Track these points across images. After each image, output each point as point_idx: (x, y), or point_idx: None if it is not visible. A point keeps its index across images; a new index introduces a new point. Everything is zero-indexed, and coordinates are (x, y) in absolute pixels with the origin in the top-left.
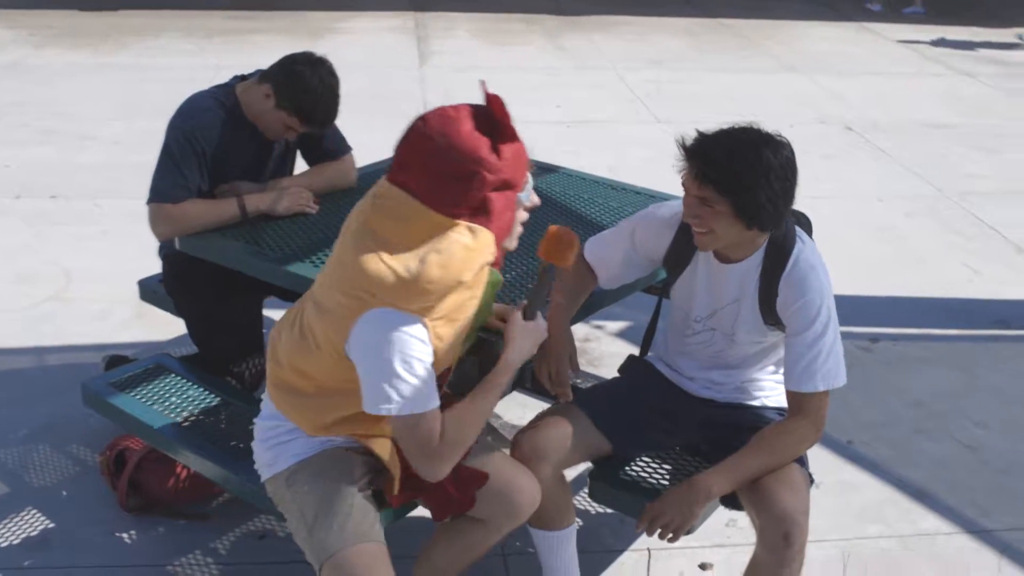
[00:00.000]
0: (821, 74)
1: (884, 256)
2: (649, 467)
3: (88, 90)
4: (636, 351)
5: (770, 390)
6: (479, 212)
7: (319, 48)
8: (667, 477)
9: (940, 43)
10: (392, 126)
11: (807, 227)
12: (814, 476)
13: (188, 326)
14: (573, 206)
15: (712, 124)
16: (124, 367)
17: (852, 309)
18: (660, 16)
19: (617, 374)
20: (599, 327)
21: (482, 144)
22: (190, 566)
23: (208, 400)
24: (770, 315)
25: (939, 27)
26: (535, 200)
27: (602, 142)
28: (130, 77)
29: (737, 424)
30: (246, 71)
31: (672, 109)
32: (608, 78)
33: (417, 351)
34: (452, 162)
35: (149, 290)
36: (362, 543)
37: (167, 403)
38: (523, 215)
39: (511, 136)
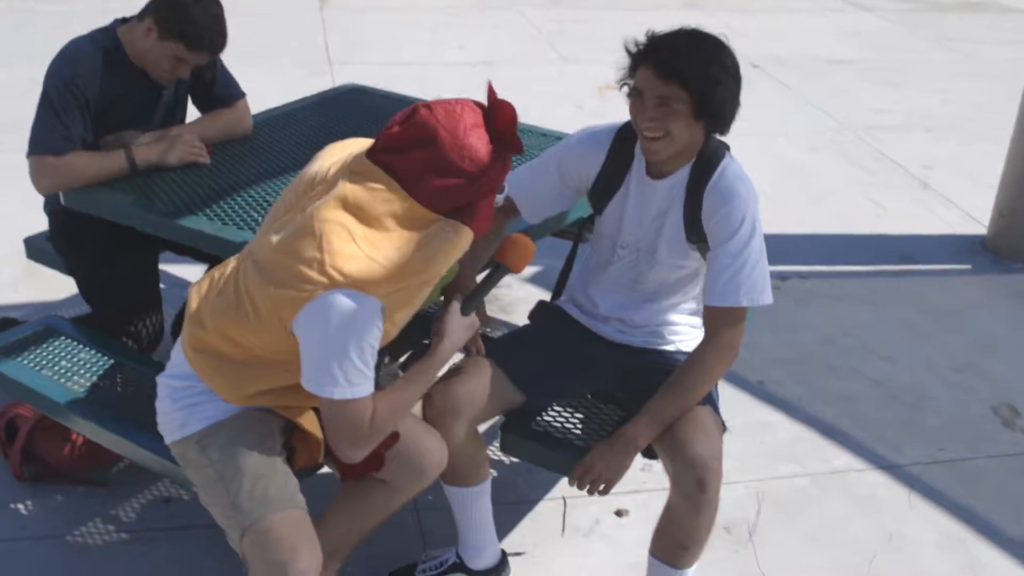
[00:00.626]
0: (724, 11)
1: (791, 192)
2: (560, 416)
3: None
4: (548, 297)
5: (685, 334)
6: (463, 212)
7: None
8: (579, 426)
9: None
10: (290, 74)
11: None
12: (726, 421)
13: (79, 285)
14: None
15: (612, 65)
16: (11, 330)
17: None
18: None
19: (527, 321)
20: None
21: (488, 152)
22: (92, 535)
23: (102, 363)
24: (693, 229)
25: None
26: (499, 201)
27: (507, 83)
28: (11, 21)
29: (651, 369)
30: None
31: (577, 47)
32: (510, 17)
33: (373, 338)
34: (454, 162)
35: (36, 248)
36: (287, 509)
37: (57, 367)
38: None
39: (518, 148)
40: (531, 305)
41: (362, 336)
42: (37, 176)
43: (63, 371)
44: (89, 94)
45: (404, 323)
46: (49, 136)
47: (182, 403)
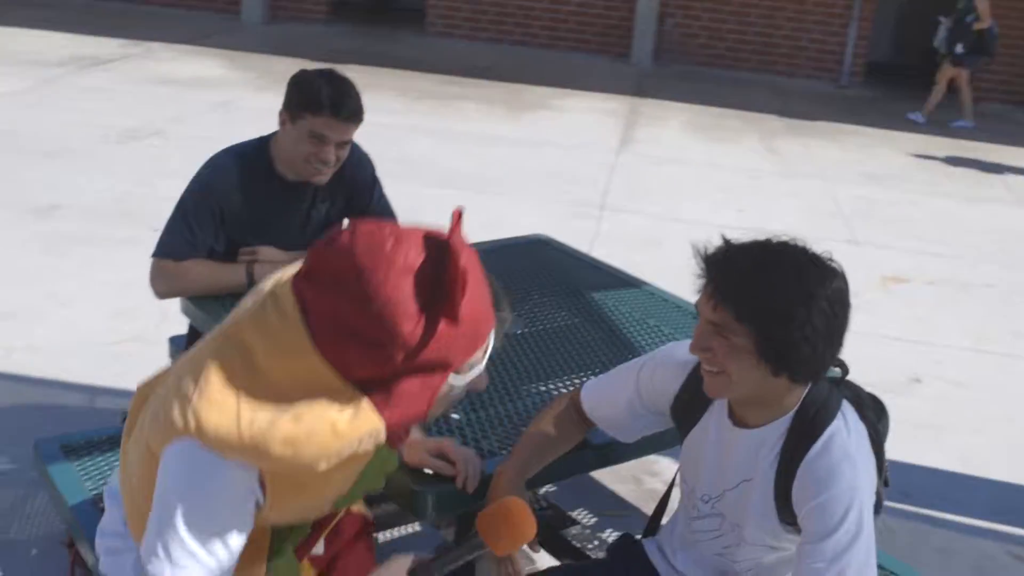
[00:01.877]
0: None
1: None
2: None
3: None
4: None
5: None
6: (378, 388)
7: (521, 122)
8: None
9: None
10: (556, 212)
11: (861, 403)
12: None
13: None
14: (633, 333)
15: (916, 252)
16: (90, 430)
17: None
18: (896, 130)
19: (604, 555)
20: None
21: (408, 313)
22: None
23: None
24: (786, 508)
25: None
26: (480, 385)
27: None
28: None
29: None
30: (445, 136)
31: (874, 230)
32: (810, 187)
33: (224, 515)
34: (361, 316)
35: (176, 350)
36: None
37: (102, 480)
38: (459, 391)
39: (453, 312)
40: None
41: (203, 507)
42: (154, 279)
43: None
44: (224, 205)
45: (302, 517)
46: (173, 241)
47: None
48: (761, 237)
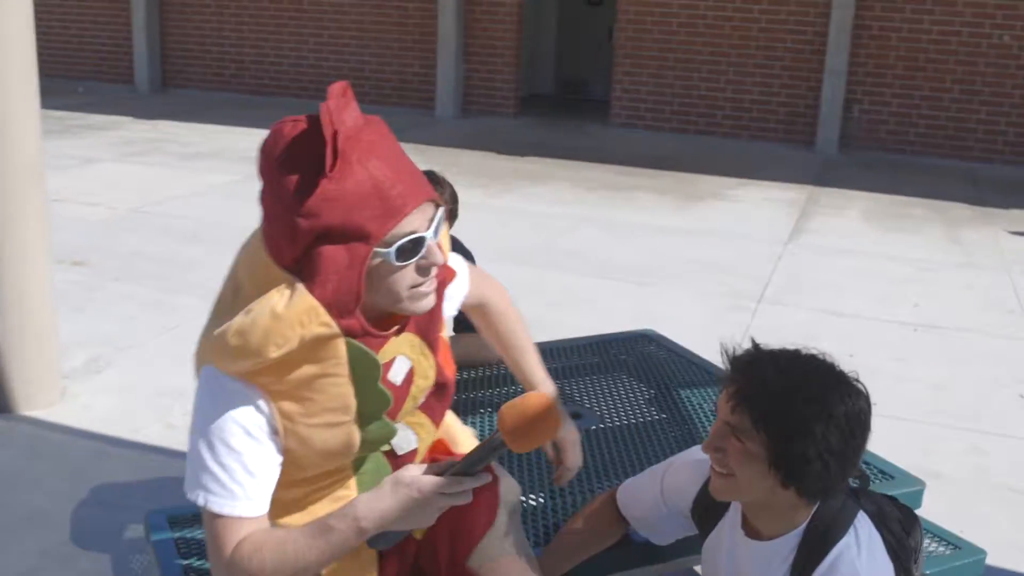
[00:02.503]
0: None
1: None
2: None
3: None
4: None
5: None
6: (306, 269)
7: (691, 212)
8: None
9: None
10: (713, 303)
11: (884, 516)
12: None
13: None
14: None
15: None
16: (192, 505)
17: None
18: None
19: None
20: None
21: (292, 180)
22: None
23: None
24: None
25: None
26: (434, 257)
27: (944, 354)
28: (498, 219)
29: None
30: (612, 226)
31: None
32: (993, 281)
33: (239, 436)
34: (268, 197)
35: None
36: None
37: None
38: (412, 276)
39: (328, 172)
40: None
41: (217, 430)
42: None
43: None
44: None
45: (316, 424)
46: None
47: None
48: (792, 347)
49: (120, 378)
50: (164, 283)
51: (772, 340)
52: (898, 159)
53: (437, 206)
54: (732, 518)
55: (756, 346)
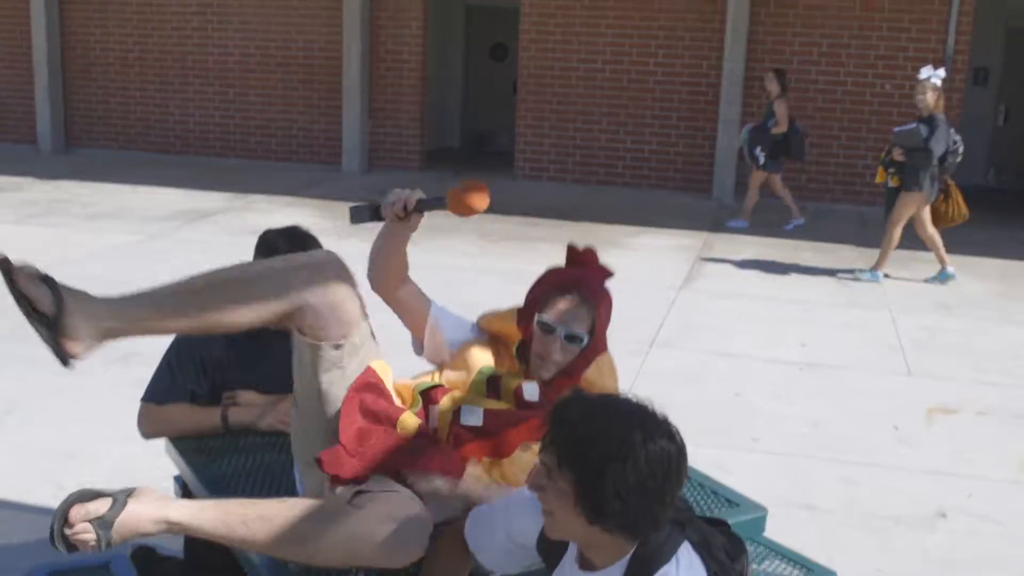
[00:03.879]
0: None
1: None
2: None
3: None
4: None
5: None
6: None
7: None
8: None
9: None
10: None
11: (709, 546)
12: None
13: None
14: None
15: (966, 383)
16: (75, 558)
17: None
18: (978, 256)
19: None
20: None
21: None
22: None
23: None
24: None
25: None
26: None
27: (824, 391)
28: None
29: None
30: (514, 276)
31: (932, 362)
32: (876, 319)
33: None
34: None
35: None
36: None
37: None
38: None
39: None
40: None
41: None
42: (139, 421)
43: None
44: (205, 352)
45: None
46: (156, 386)
47: None
48: (615, 394)
49: (10, 438)
50: None
51: (661, 383)
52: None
53: None
54: (572, 552)
55: (577, 391)
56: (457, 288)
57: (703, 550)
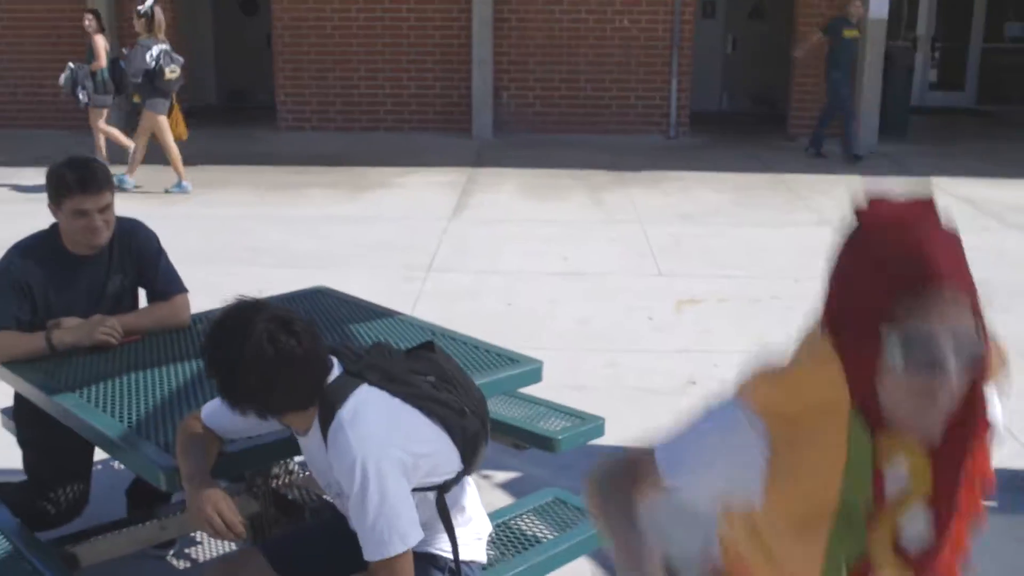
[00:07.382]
0: None
1: None
2: None
3: None
4: None
5: None
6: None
7: (362, 201)
8: None
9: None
10: (389, 276)
11: (392, 378)
12: None
13: (23, 451)
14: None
15: (708, 278)
16: None
17: None
18: (715, 171)
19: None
20: None
21: None
22: None
23: None
24: None
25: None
26: None
27: (588, 294)
28: (182, 225)
29: None
30: (292, 221)
31: (678, 262)
32: (629, 232)
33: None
34: None
35: (9, 419)
36: None
37: None
38: None
39: None
40: None
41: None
42: None
43: None
44: (29, 280)
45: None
46: None
47: None
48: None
49: None
50: None
51: (440, 302)
52: (546, 138)
53: None
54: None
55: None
56: (237, 236)
57: (387, 382)
